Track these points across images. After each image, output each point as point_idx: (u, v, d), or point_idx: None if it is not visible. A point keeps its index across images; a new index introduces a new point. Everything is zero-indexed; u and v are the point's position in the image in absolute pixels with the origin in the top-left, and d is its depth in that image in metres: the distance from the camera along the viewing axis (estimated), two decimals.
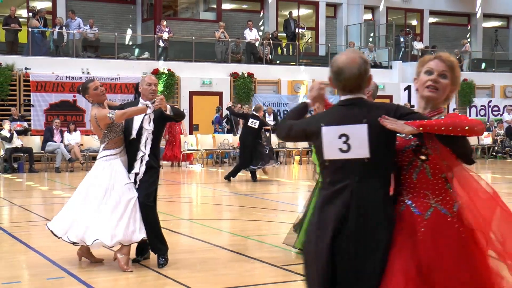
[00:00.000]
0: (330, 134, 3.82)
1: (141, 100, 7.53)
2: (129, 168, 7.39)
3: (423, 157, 3.72)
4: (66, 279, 6.79)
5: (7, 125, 20.06)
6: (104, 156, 7.38)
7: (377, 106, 3.89)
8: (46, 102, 22.38)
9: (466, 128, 3.61)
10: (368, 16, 32.39)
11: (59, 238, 7.28)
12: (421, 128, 3.61)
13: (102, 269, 7.30)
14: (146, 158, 7.34)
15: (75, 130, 20.96)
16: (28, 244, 8.83)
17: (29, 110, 22.31)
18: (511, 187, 16.50)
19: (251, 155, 16.92)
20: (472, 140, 26.95)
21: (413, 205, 3.75)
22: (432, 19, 33.95)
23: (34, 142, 20.93)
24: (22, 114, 21.85)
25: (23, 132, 20.76)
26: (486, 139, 27.13)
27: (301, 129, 4.04)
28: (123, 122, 7.43)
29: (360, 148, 3.71)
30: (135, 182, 7.32)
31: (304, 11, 31.48)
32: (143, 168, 7.35)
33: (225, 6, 29.04)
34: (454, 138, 3.62)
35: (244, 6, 30.66)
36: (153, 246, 7.44)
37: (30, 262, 7.81)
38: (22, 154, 20.28)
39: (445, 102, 3.93)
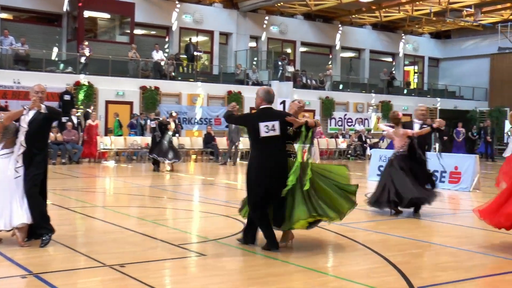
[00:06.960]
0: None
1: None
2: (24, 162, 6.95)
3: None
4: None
5: None
6: (3, 154, 6.93)
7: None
8: None
9: None
10: (253, 44, 32.62)
11: None
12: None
13: None
14: (28, 152, 6.93)
15: None
16: None
17: None
18: (355, 180, 16.89)
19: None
20: (331, 144, 27.70)
21: None
22: (303, 49, 34.51)
23: None
24: None
25: None
26: (342, 144, 27.91)
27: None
28: (17, 125, 6.97)
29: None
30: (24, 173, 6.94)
31: (201, 38, 31.30)
32: (27, 161, 6.94)
33: (137, 31, 28.47)
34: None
35: (153, 32, 30.14)
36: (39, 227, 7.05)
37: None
38: None
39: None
